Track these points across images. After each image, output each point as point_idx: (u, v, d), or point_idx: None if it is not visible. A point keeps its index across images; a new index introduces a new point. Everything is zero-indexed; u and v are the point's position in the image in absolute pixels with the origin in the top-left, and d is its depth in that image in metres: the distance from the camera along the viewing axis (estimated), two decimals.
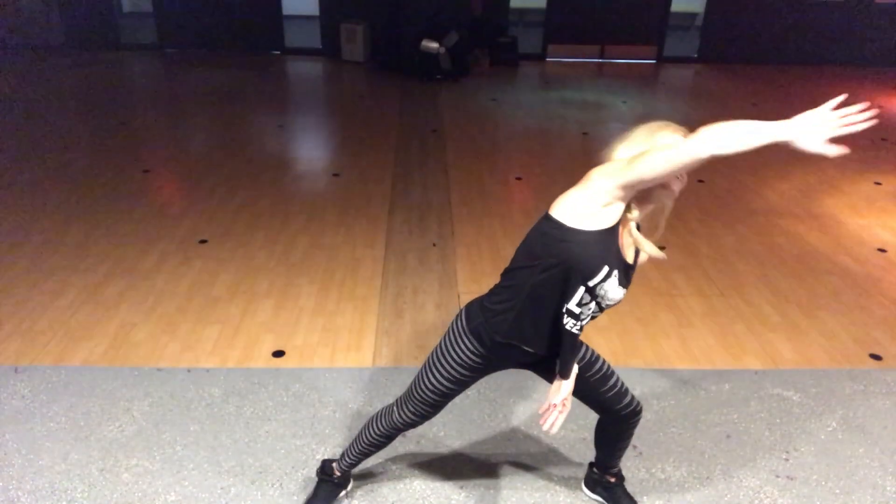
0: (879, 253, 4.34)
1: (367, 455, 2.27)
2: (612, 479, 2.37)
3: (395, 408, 2.13)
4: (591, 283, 1.69)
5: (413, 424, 2.12)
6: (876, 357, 3.30)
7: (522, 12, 11.00)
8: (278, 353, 3.20)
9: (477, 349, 1.89)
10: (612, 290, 1.72)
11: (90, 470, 2.50)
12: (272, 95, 7.99)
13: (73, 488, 2.42)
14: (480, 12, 9.26)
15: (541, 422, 1.88)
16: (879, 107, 7.91)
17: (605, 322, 3.50)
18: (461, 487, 2.48)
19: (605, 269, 1.68)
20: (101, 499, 2.38)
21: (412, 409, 2.07)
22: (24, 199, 4.78)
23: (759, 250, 4.33)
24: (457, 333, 1.93)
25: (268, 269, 3.93)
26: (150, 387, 2.94)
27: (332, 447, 2.64)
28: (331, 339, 3.31)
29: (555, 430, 1.86)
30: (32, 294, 3.61)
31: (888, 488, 2.53)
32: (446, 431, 2.74)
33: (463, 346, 1.91)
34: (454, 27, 8.44)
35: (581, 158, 5.99)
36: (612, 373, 2.09)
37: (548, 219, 1.71)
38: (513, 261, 1.83)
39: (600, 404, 2.10)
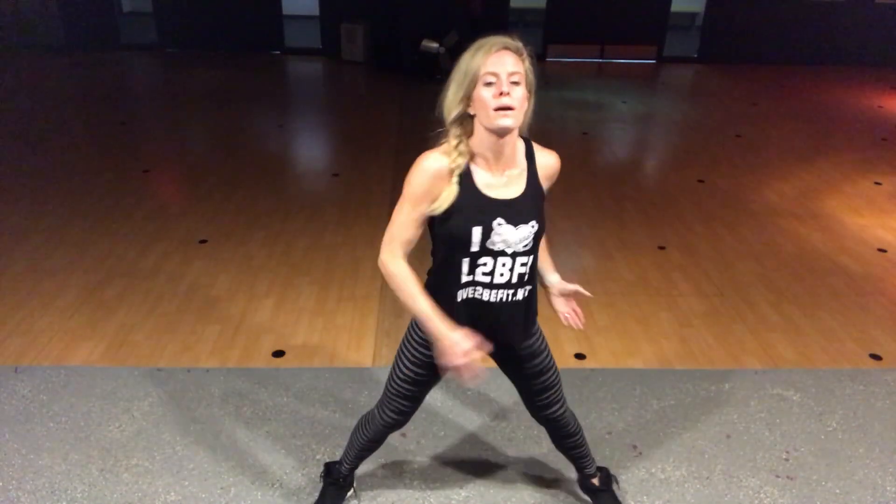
0: (879, 253, 4.33)
1: (363, 457, 2.27)
2: (596, 482, 2.33)
3: (375, 411, 2.12)
4: (473, 249, 1.71)
5: (397, 423, 2.10)
6: (876, 357, 3.30)
7: (522, 12, 10.99)
8: (278, 353, 3.20)
9: (420, 336, 1.91)
10: (508, 235, 1.70)
11: (90, 470, 2.50)
12: (272, 95, 7.99)
13: (73, 488, 2.42)
14: (480, 12, 9.26)
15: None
16: (880, 107, 7.91)
17: (605, 322, 3.50)
18: (461, 487, 2.48)
19: (477, 229, 1.68)
20: (101, 499, 2.38)
21: (391, 407, 2.06)
22: (25, 198, 4.78)
23: (759, 250, 4.33)
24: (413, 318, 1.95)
25: (268, 269, 3.93)
26: (150, 387, 2.94)
27: (332, 447, 2.64)
28: (331, 339, 3.31)
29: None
30: (32, 294, 3.60)
31: (888, 488, 2.53)
32: (446, 431, 2.74)
33: (415, 329, 1.93)
34: (454, 27, 8.44)
35: (581, 158, 5.99)
36: (553, 385, 2.05)
37: None
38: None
39: (527, 402, 2.13)
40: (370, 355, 3.20)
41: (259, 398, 2.89)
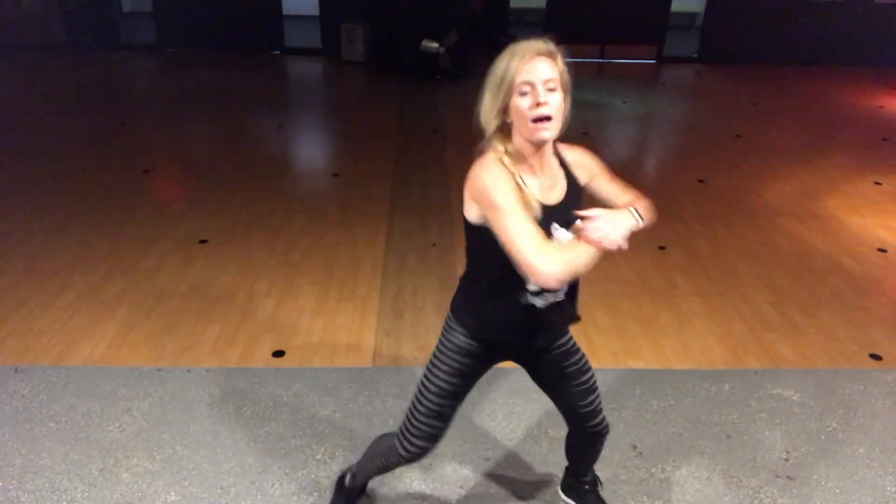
0: (879, 253, 4.33)
1: (378, 475, 2.25)
2: (587, 486, 2.33)
3: (397, 443, 1.98)
4: None
5: (422, 451, 1.95)
6: (876, 357, 3.30)
7: (522, 12, 10.99)
8: (278, 353, 3.20)
9: (465, 332, 1.84)
10: (563, 239, 1.65)
11: (90, 470, 2.50)
12: (272, 95, 7.99)
13: (73, 488, 2.42)
14: (480, 12, 9.26)
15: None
16: (880, 107, 7.91)
17: (605, 322, 3.50)
18: (461, 487, 2.48)
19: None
20: (101, 499, 2.38)
21: (418, 433, 1.91)
22: (25, 198, 4.78)
23: (759, 250, 4.33)
24: (446, 326, 1.90)
25: (268, 269, 3.93)
26: (150, 387, 2.94)
27: (331, 447, 2.64)
28: (331, 339, 3.31)
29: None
30: (32, 294, 3.60)
31: (888, 488, 2.53)
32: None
33: (454, 334, 1.86)
34: (454, 27, 8.44)
35: None
36: (595, 389, 2.01)
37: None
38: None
39: (571, 415, 2.05)
40: (370, 355, 3.20)
41: (259, 398, 2.89)
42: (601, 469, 2.56)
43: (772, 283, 3.93)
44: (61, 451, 2.58)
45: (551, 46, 1.60)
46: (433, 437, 1.93)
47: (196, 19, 9.61)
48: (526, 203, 1.59)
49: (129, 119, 6.79)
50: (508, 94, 1.59)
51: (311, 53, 9.82)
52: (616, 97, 8.11)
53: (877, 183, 5.52)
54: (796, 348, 3.34)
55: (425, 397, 1.91)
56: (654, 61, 10.04)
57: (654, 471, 2.57)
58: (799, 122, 7.13)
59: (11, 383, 2.93)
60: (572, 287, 1.82)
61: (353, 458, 2.58)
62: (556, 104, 1.58)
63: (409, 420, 1.94)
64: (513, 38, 1.65)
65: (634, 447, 2.68)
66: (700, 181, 5.45)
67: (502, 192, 1.57)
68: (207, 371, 3.05)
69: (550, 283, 1.51)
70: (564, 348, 1.94)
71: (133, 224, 4.44)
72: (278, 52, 9.82)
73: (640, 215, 1.66)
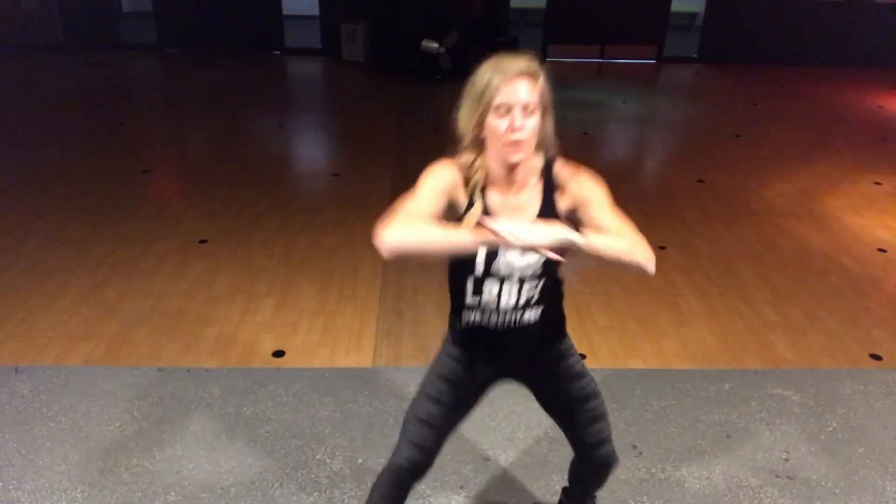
0: (879, 253, 4.33)
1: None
2: None
3: (387, 463, 1.82)
4: (477, 274, 1.65)
5: (412, 466, 1.79)
6: (876, 357, 3.30)
7: (522, 12, 10.99)
8: (278, 353, 3.20)
9: (451, 336, 1.84)
10: (513, 261, 1.62)
11: (90, 470, 2.50)
12: (272, 95, 7.99)
13: (73, 488, 2.42)
14: (480, 12, 9.26)
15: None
16: (880, 107, 7.91)
17: (605, 322, 3.50)
18: (461, 487, 2.48)
19: (482, 252, 1.59)
20: (101, 499, 2.38)
21: (410, 440, 1.80)
22: (24, 199, 4.78)
23: (759, 250, 4.33)
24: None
25: (268, 269, 3.93)
26: (150, 387, 2.94)
27: (332, 447, 2.64)
28: (331, 339, 3.31)
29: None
30: (32, 294, 3.60)
31: (888, 488, 2.53)
32: None
33: (446, 337, 1.87)
34: (454, 27, 8.44)
35: (581, 158, 5.98)
36: (602, 416, 1.90)
37: None
38: None
39: (577, 442, 1.97)
40: (370, 355, 3.20)
41: (259, 398, 2.89)
42: None
43: (772, 283, 3.93)
44: (61, 451, 2.58)
45: (534, 66, 1.57)
46: (421, 448, 1.79)
47: (196, 19, 9.61)
48: (454, 202, 1.62)
49: (128, 119, 6.79)
50: (486, 111, 1.57)
51: (311, 53, 9.82)
52: (616, 97, 8.11)
53: (877, 183, 5.52)
54: (796, 348, 3.34)
55: (415, 400, 1.87)
56: (654, 61, 10.04)
57: (654, 471, 2.57)
58: (799, 122, 7.13)
59: (11, 383, 2.93)
60: (544, 314, 1.74)
61: (353, 458, 2.58)
62: (531, 128, 1.57)
63: (402, 427, 1.86)
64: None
65: (634, 447, 2.68)
66: (700, 181, 5.45)
67: (424, 182, 1.62)
68: (207, 371, 3.05)
69: (379, 246, 1.49)
70: (570, 372, 1.85)
71: (133, 224, 4.44)
72: (278, 52, 9.82)
73: (592, 242, 1.48)
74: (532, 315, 1.73)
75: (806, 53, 9.98)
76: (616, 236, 1.57)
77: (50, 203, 4.71)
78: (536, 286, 1.69)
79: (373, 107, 7.58)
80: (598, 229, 1.58)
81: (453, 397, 1.83)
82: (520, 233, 1.41)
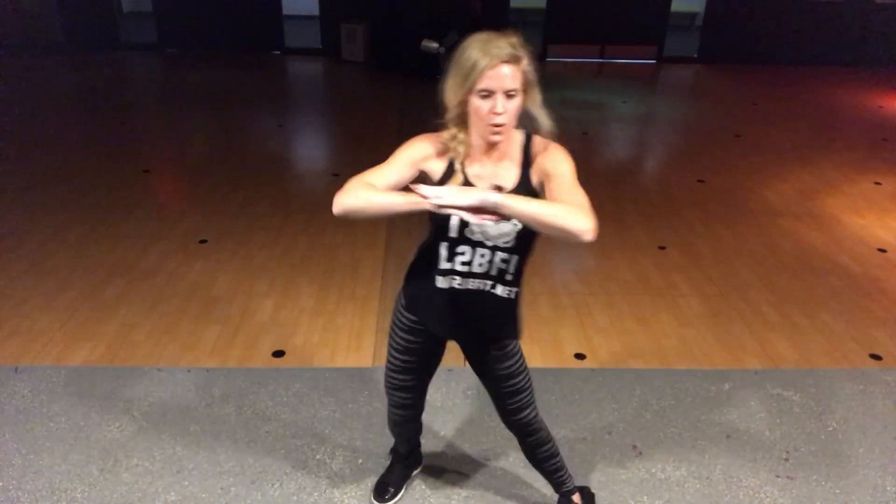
0: (879, 253, 4.33)
1: (409, 437, 2.37)
2: (578, 501, 2.29)
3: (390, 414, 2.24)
4: (451, 235, 1.73)
5: (406, 417, 2.21)
6: (876, 357, 3.30)
7: (522, 12, 10.99)
8: (278, 353, 3.20)
9: (402, 305, 1.95)
10: (487, 227, 1.69)
11: (90, 470, 2.50)
12: (272, 95, 7.99)
13: (73, 488, 2.42)
14: (480, 13, 9.25)
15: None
16: (880, 107, 7.91)
17: (605, 322, 3.50)
18: (461, 487, 2.48)
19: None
20: (101, 499, 2.38)
21: (392, 402, 2.16)
22: (24, 199, 4.78)
23: (759, 250, 4.33)
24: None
25: (268, 269, 3.93)
26: (150, 387, 2.94)
27: (332, 447, 2.64)
28: (331, 339, 3.31)
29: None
30: (32, 294, 3.60)
31: (888, 488, 2.53)
32: (446, 431, 2.74)
33: (396, 314, 1.99)
34: (454, 27, 8.44)
35: (581, 158, 5.98)
36: (524, 389, 2.01)
37: None
38: None
39: (500, 409, 2.09)
40: (370, 355, 3.20)
41: (259, 398, 2.89)
42: (601, 469, 2.57)
43: (772, 283, 3.93)
44: (61, 451, 2.58)
45: (519, 50, 1.60)
46: (408, 406, 2.14)
47: (196, 19, 9.61)
48: (426, 171, 1.75)
49: (128, 119, 6.79)
50: (470, 90, 1.62)
51: (311, 53, 9.81)
52: (616, 97, 8.11)
53: (877, 183, 5.52)
54: (796, 348, 3.34)
55: (386, 373, 2.08)
56: (654, 61, 10.04)
57: (654, 471, 2.57)
58: (799, 122, 7.13)
59: (11, 383, 2.93)
60: (515, 296, 1.84)
61: (353, 458, 2.59)
62: (512, 111, 1.63)
63: (386, 393, 2.16)
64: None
65: (634, 447, 2.68)
66: (700, 181, 5.45)
67: (397, 152, 1.78)
68: (207, 371, 3.05)
69: (334, 207, 1.71)
70: (503, 351, 1.95)
71: (133, 224, 4.44)
72: (278, 52, 9.82)
73: (514, 205, 1.50)
74: (504, 290, 1.81)
75: (806, 53, 9.98)
76: (551, 203, 1.62)
77: (50, 203, 4.71)
78: (508, 261, 1.76)
79: (373, 107, 7.58)
80: (553, 201, 1.64)
81: (418, 363, 2.03)
82: (443, 195, 1.50)
